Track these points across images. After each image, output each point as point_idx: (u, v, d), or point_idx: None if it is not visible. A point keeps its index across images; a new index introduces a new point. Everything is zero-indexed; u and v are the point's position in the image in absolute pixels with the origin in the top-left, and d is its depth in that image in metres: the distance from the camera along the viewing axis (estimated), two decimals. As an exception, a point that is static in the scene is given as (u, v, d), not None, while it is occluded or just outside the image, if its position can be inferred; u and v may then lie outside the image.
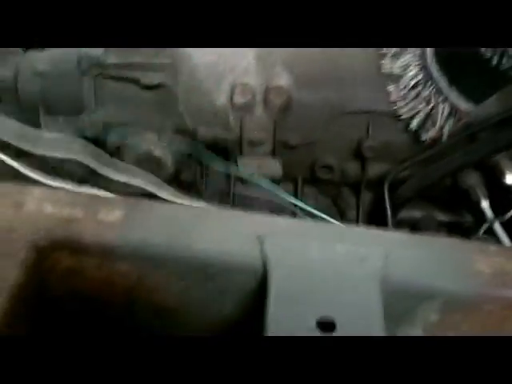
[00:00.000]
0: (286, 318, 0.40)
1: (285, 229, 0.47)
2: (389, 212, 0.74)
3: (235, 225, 0.47)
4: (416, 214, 0.85)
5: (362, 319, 0.40)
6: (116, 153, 0.84)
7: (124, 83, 0.82)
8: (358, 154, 0.78)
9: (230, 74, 0.78)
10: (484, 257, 0.47)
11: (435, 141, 0.73)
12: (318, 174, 0.82)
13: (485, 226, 0.73)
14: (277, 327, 0.40)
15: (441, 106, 0.69)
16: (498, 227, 0.71)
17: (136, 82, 0.81)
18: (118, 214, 0.47)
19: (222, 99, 0.78)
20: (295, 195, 0.87)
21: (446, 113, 0.69)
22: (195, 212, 0.48)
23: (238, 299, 0.47)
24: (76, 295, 0.49)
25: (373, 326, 0.40)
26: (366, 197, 0.85)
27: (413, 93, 0.71)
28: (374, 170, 0.81)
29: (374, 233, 0.49)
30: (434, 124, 0.70)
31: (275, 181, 0.87)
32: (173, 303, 0.49)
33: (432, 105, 0.70)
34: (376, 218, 0.82)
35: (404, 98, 0.72)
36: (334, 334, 0.39)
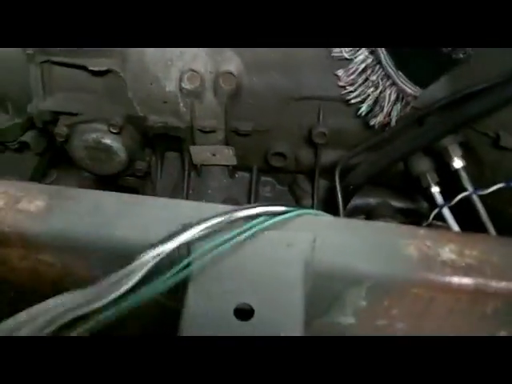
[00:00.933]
0: (204, 306, 0.39)
1: (212, 215, 0.46)
2: (340, 199, 0.74)
3: (160, 212, 0.46)
4: (371, 200, 0.85)
5: (281, 305, 0.39)
6: (65, 142, 0.82)
7: (72, 70, 0.80)
8: (311, 141, 0.77)
9: (179, 60, 0.76)
10: (413, 240, 0.47)
11: (384, 126, 0.72)
12: (271, 161, 0.81)
13: (435, 212, 0.73)
14: (194, 316, 0.39)
15: (388, 91, 0.68)
16: (446, 212, 0.71)
17: (84, 68, 0.79)
18: (39, 203, 0.46)
19: (171, 86, 0.77)
20: (250, 184, 0.86)
21: (393, 97, 0.68)
22: (120, 200, 0.47)
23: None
24: (1, 285, 0.48)
25: (290, 311, 0.39)
26: (322, 184, 0.85)
27: (362, 77, 0.70)
28: (328, 156, 0.80)
29: (305, 218, 0.49)
30: (381, 109, 0.70)
31: (230, 169, 0.86)
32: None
33: (380, 89, 0.69)
34: (331, 205, 0.82)
35: (353, 82, 0.71)
36: (251, 321, 0.38)
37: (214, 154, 0.83)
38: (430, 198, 0.76)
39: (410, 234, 0.47)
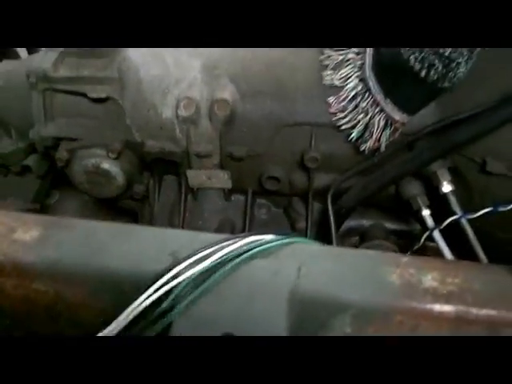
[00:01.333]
0: (189, 333, 0.41)
1: (202, 244, 0.47)
2: (332, 222, 0.75)
3: (152, 242, 0.48)
4: (365, 222, 0.86)
5: (263, 334, 0.41)
6: (65, 167, 0.84)
7: (73, 97, 0.83)
8: (303, 165, 0.78)
9: (176, 87, 0.79)
10: (396, 268, 0.48)
11: (374, 151, 0.74)
12: (265, 185, 0.82)
13: (426, 234, 0.74)
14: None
15: (377, 117, 0.70)
16: (437, 235, 0.72)
17: (84, 95, 0.81)
18: (34, 233, 0.47)
19: (167, 113, 0.79)
20: (246, 206, 0.88)
21: (382, 124, 0.70)
22: (112, 229, 0.48)
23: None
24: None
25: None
26: (316, 207, 0.86)
27: (352, 104, 0.72)
28: (321, 180, 0.82)
29: (293, 247, 0.50)
30: (371, 135, 0.71)
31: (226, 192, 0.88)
32: (94, 321, 0.50)
33: (370, 116, 0.71)
34: (325, 228, 0.83)
35: (344, 109, 0.73)
36: (234, 350, 0.39)
37: (209, 177, 0.85)
38: (422, 220, 0.77)
39: (394, 262, 0.48)
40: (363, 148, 0.73)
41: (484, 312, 0.46)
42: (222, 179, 0.85)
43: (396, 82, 0.67)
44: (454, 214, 0.71)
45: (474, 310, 0.46)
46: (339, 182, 0.76)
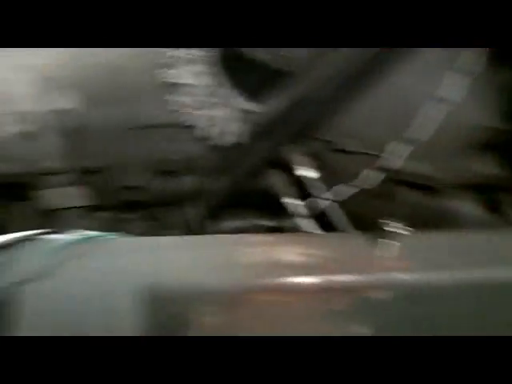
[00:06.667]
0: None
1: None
2: (202, 225, 0.71)
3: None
4: (237, 223, 0.84)
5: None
6: None
7: None
8: (164, 171, 0.74)
9: (6, 103, 0.70)
10: (254, 248, 0.45)
11: (232, 146, 0.72)
12: (127, 195, 0.76)
13: (294, 223, 0.73)
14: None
15: (228, 111, 0.69)
16: (305, 222, 0.72)
17: None
18: None
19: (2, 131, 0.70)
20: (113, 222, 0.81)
21: (233, 116, 0.69)
22: None
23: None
24: None
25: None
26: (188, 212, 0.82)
27: (201, 100, 0.70)
28: (185, 184, 0.78)
29: (146, 240, 0.46)
30: (224, 129, 0.70)
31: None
32: None
33: (220, 110, 0.69)
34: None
35: (197, 106, 0.70)
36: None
37: (65, 196, 0.77)
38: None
39: (244, 242, 0.45)
40: (220, 144, 0.71)
41: (346, 279, 0.45)
42: (80, 196, 0.77)
43: (242, 72, 0.67)
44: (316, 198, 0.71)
45: (335, 278, 0.45)
46: (201, 183, 0.72)
